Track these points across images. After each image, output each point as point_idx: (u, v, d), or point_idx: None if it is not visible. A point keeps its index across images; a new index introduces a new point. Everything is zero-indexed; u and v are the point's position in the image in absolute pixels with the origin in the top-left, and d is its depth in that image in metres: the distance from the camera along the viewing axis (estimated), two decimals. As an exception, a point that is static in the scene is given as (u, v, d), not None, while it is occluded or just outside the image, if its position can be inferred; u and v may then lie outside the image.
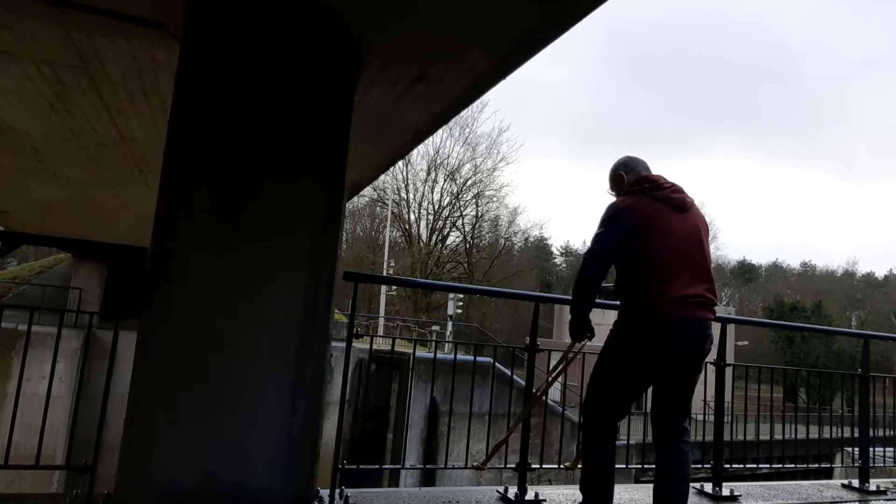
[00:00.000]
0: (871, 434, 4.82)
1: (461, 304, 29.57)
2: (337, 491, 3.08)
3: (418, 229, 38.32)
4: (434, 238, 38.13)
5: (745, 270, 58.83)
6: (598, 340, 2.86)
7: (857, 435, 4.84)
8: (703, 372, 2.90)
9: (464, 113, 30.88)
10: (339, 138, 3.08)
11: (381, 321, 27.08)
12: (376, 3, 2.78)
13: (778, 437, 13.78)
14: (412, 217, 38.24)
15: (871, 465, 4.66)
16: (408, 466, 7.58)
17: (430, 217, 38.07)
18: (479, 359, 4.52)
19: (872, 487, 4.48)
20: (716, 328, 2.86)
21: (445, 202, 37.70)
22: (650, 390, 2.87)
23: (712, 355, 3.24)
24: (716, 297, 2.75)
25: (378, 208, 38.06)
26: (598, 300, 2.90)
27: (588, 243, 2.79)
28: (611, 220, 2.72)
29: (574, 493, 3.56)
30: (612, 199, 2.89)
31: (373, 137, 4.78)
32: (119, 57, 3.63)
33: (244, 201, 2.76)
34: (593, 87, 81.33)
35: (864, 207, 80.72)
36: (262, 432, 2.68)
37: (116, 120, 4.93)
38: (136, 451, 2.67)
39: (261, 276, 2.73)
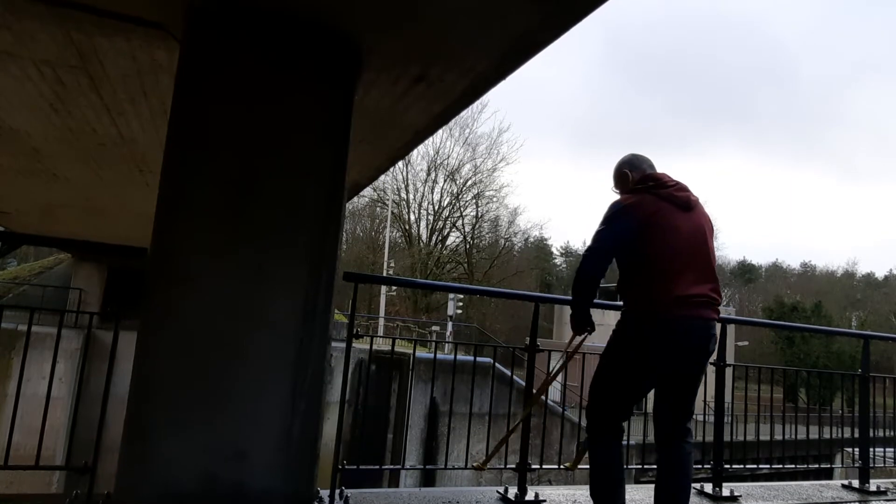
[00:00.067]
0: (871, 434, 4.82)
1: (461, 304, 29.53)
2: (337, 491, 3.08)
3: (418, 229, 38.37)
4: (434, 238, 38.14)
5: (745, 271, 58.83)
6: (600, 341, 2.84)
7: (857, 435, 4.84)
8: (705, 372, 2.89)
9: (464, 113, 30.95)
10: (339, 138, 3.08)
11: (381, 321, 27.08)
12: (376, 4, 2.78)
13: (778, 437, 13.76)
14: (412, 217, 38.30)
15: (872, 465, 4.66)
16: (408, 467, 7.56)
17: (430, 217, 38.13)
18: (479, 359, 4.51)
19: (872, 488, 4.48)
20: (717, 328, 2.85)
21: (445, 202, 37.76)
22: (653, 390, 2.84)
23: (712, 356, 3.23)
24: (720, 296, 2.72)
25: (378, 209, 38.07)
26: (597, 300, 2.87)
27: (588, 242, 2.75)
28: (614, 217, 2.69)
29: (574, 493, 3.56)
30: (615, 197, 2.85)
31: (373, 138, 4.78)
32: (119, 57, 3.63)
33: (244, 201, 2.75)
34: (593, 87, 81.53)
35: (864, 208, 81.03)
36: (262, 432, 2.68)
37: (116, 120, 4.93)
38: (136, 452, 2.67)
39: (261, 276, 2.73)
